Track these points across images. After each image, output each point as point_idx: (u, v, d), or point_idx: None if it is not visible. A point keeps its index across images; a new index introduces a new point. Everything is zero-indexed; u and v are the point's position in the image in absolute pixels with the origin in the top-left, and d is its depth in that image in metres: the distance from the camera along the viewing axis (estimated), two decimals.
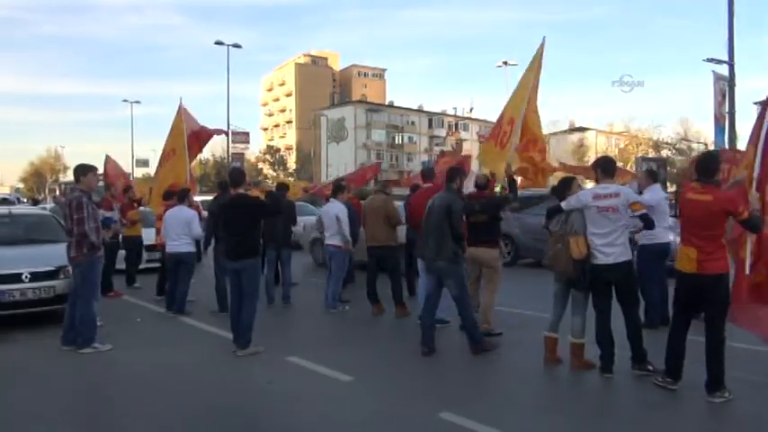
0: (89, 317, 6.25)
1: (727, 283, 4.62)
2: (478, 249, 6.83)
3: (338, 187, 8.84)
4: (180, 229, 8.10)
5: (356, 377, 5.24)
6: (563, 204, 5.37)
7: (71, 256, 6.26)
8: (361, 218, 8.40)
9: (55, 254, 7.43)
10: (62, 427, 4.29)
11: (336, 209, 8.36)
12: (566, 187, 5.56)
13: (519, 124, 7.06)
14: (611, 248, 5.10)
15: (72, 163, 72.70)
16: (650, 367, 5.13)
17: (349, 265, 8.93)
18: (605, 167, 5.40)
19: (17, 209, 10.11)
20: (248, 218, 6.19)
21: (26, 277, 7.04)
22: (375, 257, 8.18)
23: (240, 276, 6.12)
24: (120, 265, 10.08)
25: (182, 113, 9.86)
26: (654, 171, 7.73)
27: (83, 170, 6.33)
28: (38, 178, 75.10)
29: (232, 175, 6.66)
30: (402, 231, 8.48)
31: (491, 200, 7.01)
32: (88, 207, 6.16)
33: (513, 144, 7.11)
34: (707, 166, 4.72)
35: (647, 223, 5.23)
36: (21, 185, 72.89)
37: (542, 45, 7.14)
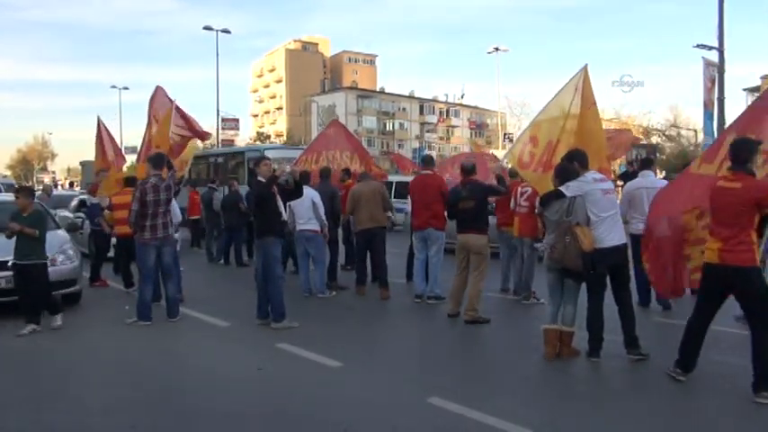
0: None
1: (760, 277, 4.37)
2: (467, 236, 6.81)
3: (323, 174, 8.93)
4: None
5: (345, 362, 5.24)
6: (564, 190, 5.12)
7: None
8: (354, 202, 8.30)
9: None
10: (49, 414, 4.25)
11: (311, 194, 8.06)
12: (567, 173, 5.23)
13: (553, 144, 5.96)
14: (611, 233, 5.10)
15: (60, 150, 72.11)
16: (643, 352, 5.16)
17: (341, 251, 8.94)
18: (583, 161, 5.26)
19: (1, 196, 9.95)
20: (253, 200, 6.71)
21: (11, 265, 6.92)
22: (366, 238, 8.25)
23: (261, 254, 6.67)
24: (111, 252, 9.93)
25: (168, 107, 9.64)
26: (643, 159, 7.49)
27: (162, 161, 7.19)
28: (25, 165, 74.25)
29: (255, 160, 7.28)
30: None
31: (477, 185, 6.96)
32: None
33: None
34: (736, 152, 4.41)
35: None
36: (8, 173, 71.98)
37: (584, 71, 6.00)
